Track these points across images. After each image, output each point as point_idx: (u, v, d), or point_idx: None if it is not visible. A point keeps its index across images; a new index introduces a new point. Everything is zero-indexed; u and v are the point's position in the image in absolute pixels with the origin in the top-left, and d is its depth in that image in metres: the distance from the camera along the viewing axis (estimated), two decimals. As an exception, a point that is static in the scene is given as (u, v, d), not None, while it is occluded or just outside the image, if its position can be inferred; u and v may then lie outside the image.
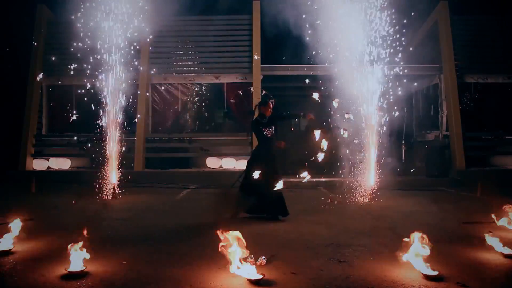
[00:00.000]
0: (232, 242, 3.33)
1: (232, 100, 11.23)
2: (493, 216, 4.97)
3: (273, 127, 5.80)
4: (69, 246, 3.42)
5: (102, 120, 8.02)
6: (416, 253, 3.40)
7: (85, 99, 10.83)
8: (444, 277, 3.23)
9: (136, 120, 10.71)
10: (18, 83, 11.94)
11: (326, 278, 3.27)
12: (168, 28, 11.12)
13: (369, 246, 4.24)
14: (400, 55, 7.78)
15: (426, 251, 3.36)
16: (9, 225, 4.18)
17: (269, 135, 5.74)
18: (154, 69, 11.29)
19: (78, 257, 3.38)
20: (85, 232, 3.65)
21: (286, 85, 12.14)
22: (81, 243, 3.45)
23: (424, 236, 3.46)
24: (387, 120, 7.49)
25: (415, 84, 12.82)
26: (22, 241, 4.15)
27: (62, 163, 11.31)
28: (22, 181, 9.49)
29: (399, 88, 7.83)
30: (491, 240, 3.95)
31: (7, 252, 3.87)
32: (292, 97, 11.91)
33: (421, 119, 12.79)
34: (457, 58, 11.17)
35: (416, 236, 3.47)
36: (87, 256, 3.44)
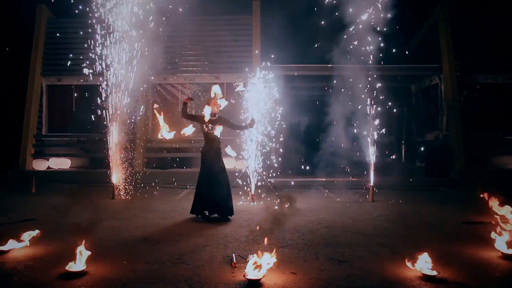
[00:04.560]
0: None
1: (232, 101, 11.22)
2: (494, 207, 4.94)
3: (217, 127, 5.72)
4: (78, 248, 3.44)
5: (102, 120, 8.01)
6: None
7: (85, 99, 10.86)
8: (444, 277, 3.24)
9: (136, 120, 10.70)
10: (18, 83, 11.94)
11: (326, 278, 3.27)
12: (168, 28, 11.13)
13: (369, 246, 4.24)
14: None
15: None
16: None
17: (210, 132, 5.70)
18: (153, 69, 11.28)
19: (80, 257, 3.40)
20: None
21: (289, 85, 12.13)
22: (84, 243, 3.47)
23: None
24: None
25: (415, 84, 12.85)
26: (22, 241, 4.14)
27: (62, 163, 11.30)
28: (22, 181, 9.48)
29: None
30: (495, 239, 3.95)
31: (7, 252, 3.87)
32: (294, 97, 11.90)
33: (421, 119, 12.80)
34: (457, 58, 11.16)
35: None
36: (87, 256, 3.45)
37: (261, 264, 3.24)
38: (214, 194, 5.58)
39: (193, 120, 5.97)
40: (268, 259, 3.30)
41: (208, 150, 5.73)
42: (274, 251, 3.40)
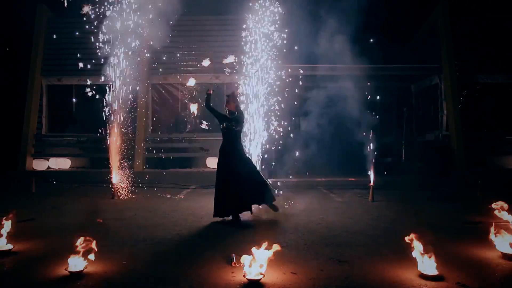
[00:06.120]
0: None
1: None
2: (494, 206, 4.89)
3: (228, 122, 5.66)
4: (78, 244, 3.42)
5: (102, 120, 8.01)
6: (419, 252, 3.40)
7: (85, 99, 10.84)
8: (444, 277, 3.23)
9: (136, 120, 10.71)
10: (18, 83, 11.94)
11: (326, 278, 3.27)
12: (168, 28, 11.13)
13: (369, 246, 4.24)
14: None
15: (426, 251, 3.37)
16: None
17: (225, 129, 5.69)
18: (154, 69, 11.29)
19: (79, 257, 3.38)
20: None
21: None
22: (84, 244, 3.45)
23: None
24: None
25: (415, 84, 12.84)
26: (22, 241, 4.15)
27: (62, 163, 11.31)
28: (22, 181, 9.48)
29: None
30: (494, 239, 3.94)
31: (7, 252, 3.87)
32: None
33: (421, 119, 12.80)
34: (457, 58, 11.17)
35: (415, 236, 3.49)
36: (91, 256, 3.44)
37: (260, 262, 3.23)
38: (248, 188, 5.45)
39: (213, 113, 5.82)
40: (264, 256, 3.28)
41: (229, 150, 5.68)
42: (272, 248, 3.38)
